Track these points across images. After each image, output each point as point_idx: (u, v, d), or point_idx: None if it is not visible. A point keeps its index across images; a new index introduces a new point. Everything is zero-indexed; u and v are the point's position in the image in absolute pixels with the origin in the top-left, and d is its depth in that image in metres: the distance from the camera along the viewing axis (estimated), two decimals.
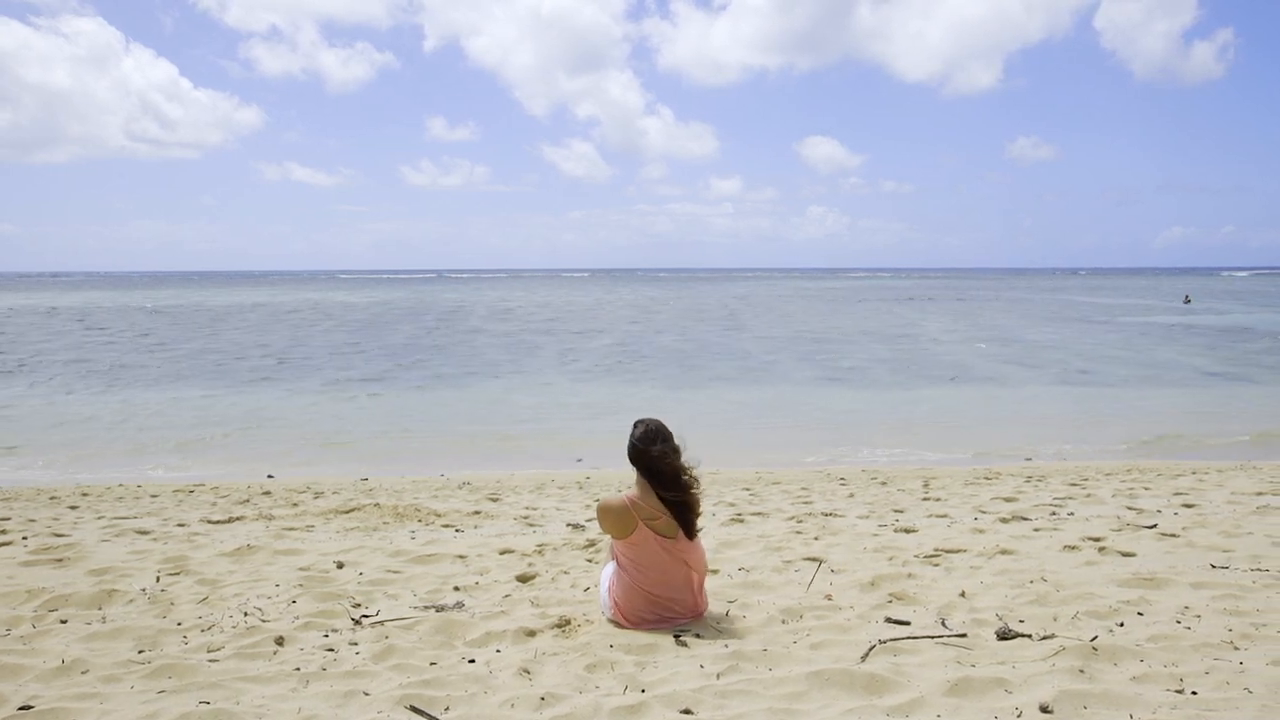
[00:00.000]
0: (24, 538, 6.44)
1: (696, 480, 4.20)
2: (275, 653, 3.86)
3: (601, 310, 52.76)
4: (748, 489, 9.46)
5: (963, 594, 4.60)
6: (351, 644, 3.97)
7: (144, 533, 6.79)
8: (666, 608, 4.16)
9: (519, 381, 20.96)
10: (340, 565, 5.52)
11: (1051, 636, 3.83)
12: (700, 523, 4.30)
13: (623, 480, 9.79)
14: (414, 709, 3.13)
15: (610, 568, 4.36)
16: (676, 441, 4.23)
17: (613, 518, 4.16)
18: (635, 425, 4.28)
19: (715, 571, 5.23)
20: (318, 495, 9.27)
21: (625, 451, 4.26)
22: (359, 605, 4.62)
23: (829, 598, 4.63)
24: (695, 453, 4.28)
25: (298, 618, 4.35)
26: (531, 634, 4.11)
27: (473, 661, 3.73)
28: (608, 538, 4.41)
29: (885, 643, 3.80)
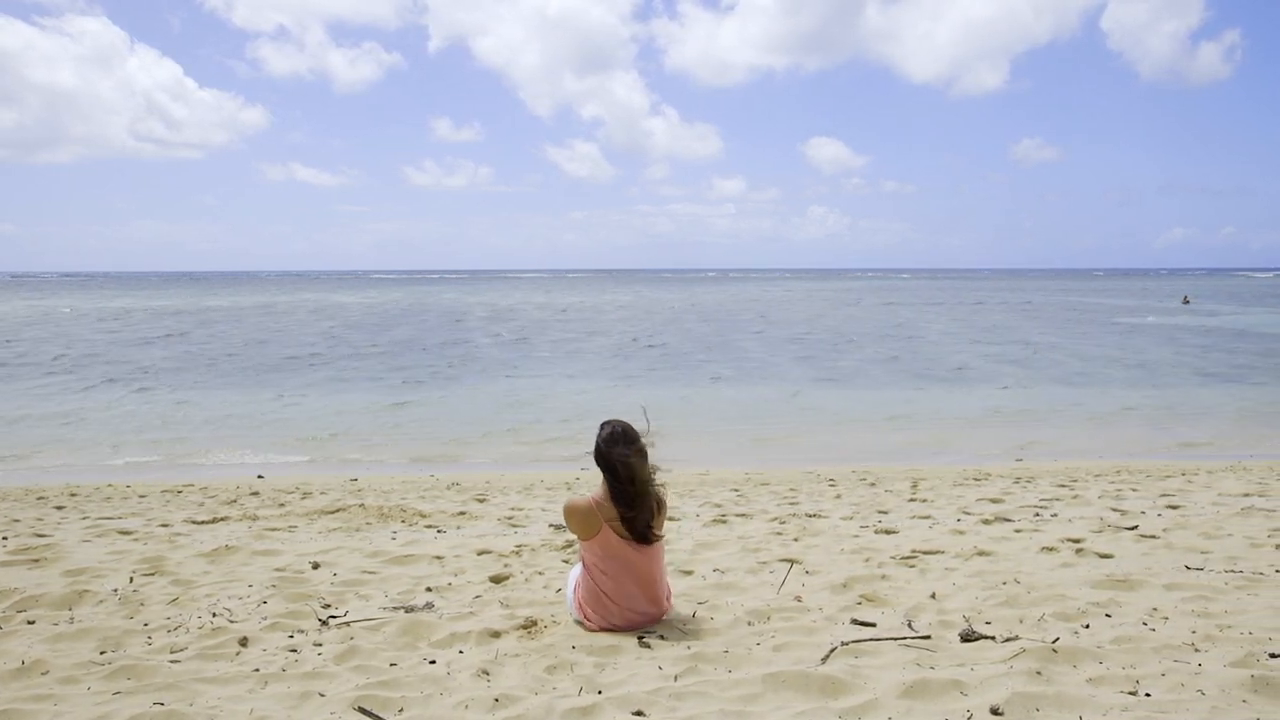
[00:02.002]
0: (4, 538, 6.44)
1: (654, 487, 4.17)
2: (238, 654, 3.86)
3: (601, 311, 52.74)
4: (736, 490, 9.44)
5: (933, 596, 4.58)
6: (315, 645, 3.97)
7: (126, 533, 6.79)
8: (631, 609, 4.14)
9: (515, 382, 20.96)
10: (316, 566, 5.52)
11: (1015, 638, 3.82)
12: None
13: None
14: (362, 710, 3.12)
15: (577, 569, 4.35)
16: (644, 444, 4.21)
17: (578, 518, 4.16)
18: (602, 426, 4.27)
19: (689, 573, 5.22)
20: (305, 495, 9.27)
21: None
22: (329, 606, 4.62)
23: (799, 599, 4.62)
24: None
25: (265, 619, 4.35)
26: (496, 635, 4.10)
27: (433, 663, 3.73)
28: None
29: (848, 645, 3.79)
